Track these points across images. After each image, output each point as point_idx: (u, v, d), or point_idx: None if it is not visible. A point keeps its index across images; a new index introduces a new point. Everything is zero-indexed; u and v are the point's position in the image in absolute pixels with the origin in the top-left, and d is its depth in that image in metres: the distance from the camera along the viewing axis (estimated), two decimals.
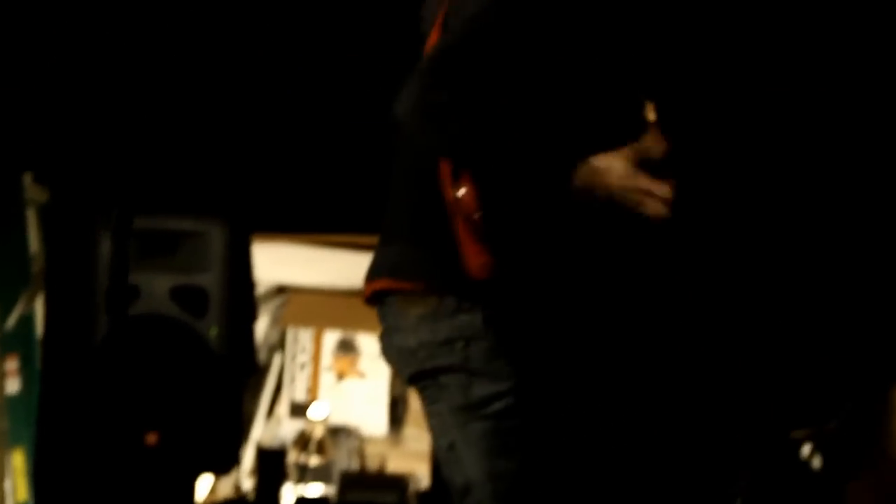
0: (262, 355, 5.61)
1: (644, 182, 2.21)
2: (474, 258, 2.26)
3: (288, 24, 4.16)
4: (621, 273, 2.45)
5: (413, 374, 2.35)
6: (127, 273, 2.50)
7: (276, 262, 5.29)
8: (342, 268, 5.01)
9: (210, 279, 4.18)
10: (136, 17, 4.30)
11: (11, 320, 5.52)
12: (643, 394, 2.62)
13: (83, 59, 4.33)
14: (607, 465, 2.51)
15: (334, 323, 5.63)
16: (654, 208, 2.22)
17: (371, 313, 2.55)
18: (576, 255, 2.37)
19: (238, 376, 4.29)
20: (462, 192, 2.27)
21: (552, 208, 2.29)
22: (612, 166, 2.23)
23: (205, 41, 4.36)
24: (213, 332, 4.14)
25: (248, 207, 4.31)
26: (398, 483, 4.73)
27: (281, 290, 5.65)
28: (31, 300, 5.59)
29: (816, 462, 3.88)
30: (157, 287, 4.16)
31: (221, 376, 4.15)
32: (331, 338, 5.69)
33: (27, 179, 5.28)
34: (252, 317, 4.51)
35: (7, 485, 5.50)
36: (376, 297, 2.32)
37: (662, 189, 2.21)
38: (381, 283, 2.31)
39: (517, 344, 2.31)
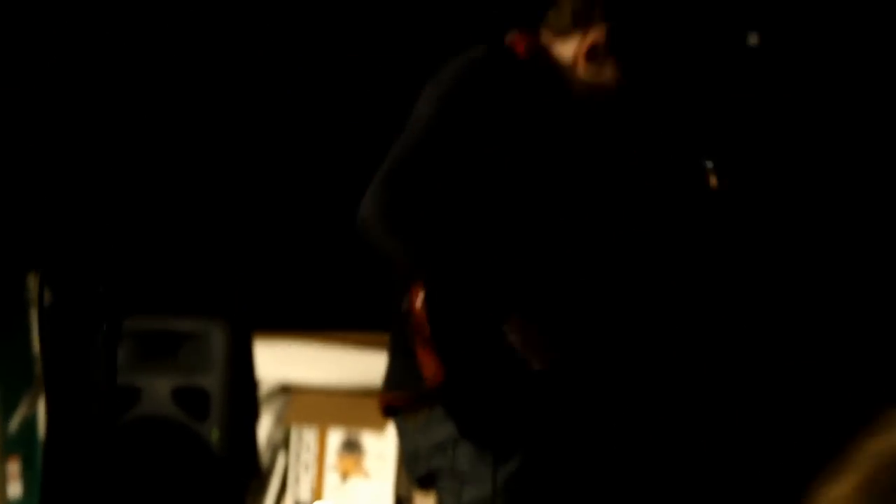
0: (265, 455, 5.52)
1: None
2: (427, 367, 2.40)
3: (291, 121, 4.19)
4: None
5: (418, 477, 2.54)
6: (115, 374, 2.50)
7: (280, 361, 5.25)
8: (346, 366, 4.97)
9: (211, 380, 4.16)
10: (136, 119, 4.33)
11: (14, 423, 5.46)
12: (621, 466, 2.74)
13: (85, 163, 4.35)
14: None
15: (339, 422, 5.55)
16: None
17: (375, 412, 2.67)
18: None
19: (240, 479, 4.28)
20: (418, 302, 2.38)
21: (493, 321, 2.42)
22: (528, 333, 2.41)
23: (203, 142, 4.38)
24: (215, 435, 4.11)
25: (250, 307, 4.31)
26: None
27: (285, 389, 5.57)
28: (34, 402, 5.53)
29: None
30: (158, 389, 4.14)
31: (223, 479, 4.12)
32: (335, 437, 5.59)
33: (31, 280, 5.28)
34: (254, 418, 4.49)
35: None
36: (387, 410, 2.55)
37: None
38: (385, 398, 2.53)
39: (493, 445, 2.42)
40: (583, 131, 2.65)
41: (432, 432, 2.46)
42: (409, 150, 2.43)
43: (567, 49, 2.60)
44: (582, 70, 2.60)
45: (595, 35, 2.57)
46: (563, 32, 2.60)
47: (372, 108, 3.79)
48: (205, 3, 4.24)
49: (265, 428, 5.54)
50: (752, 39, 4.27)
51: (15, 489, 5.40)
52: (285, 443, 5.63)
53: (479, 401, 2.44)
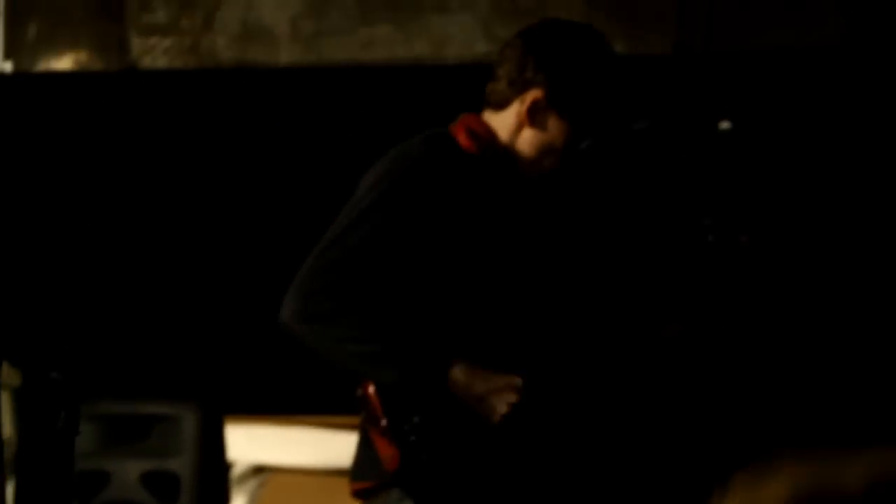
0: None
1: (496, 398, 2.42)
2: (384, 452, 2.41)
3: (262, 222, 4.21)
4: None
5: None
6: (72, 460, 2.47)
7: (253, 443, 5.19)
8: (320, 448, 4.91)
9: (182, 464, 4.11)
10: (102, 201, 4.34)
11: None
12: None
13: (56, 256, 4.36)
14: None
15: (314, 503, 5.49)
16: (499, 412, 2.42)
17: (348, 493, 2.63)
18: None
19: None
20: (370, 390, 2.41)
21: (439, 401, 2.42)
22: (475, 383, 2.42)
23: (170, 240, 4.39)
24: None
25: (222, 390, 4.29)
26: None
27: (258, 471, 5.51)
28: (3, 485, 5.46)
29: None
30: (127, 472, 4.08)
31: None
32: None
33: (3, 366, 5.22)
34: (225, 501, 4.42)
35: None
36: (356, 494, 2.53)
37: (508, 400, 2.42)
38: (353, 486, 2.52)
39: None
40: (530, 211, 2.60)
41: None
42: (326, 254, 2.44)
43: (509, 118, 2.55)
44: (528, 136, 2.55)
45: (533, 94, 2.51)
46: (503, 104, 2.55)
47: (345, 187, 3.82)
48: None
49: None
50: (724, 125, 4.32)
51: None
52: None
53: (437, 480, 2.43)
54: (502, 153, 2.54)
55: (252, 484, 5.59)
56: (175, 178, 4.27)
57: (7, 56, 4.21)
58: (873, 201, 4.15)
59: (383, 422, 2.41)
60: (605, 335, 2.64)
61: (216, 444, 4.26)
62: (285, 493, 5.49)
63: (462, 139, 2.54)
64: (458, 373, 2.42)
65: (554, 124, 2.52)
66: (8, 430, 5.34)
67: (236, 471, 5.35)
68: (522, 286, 2.54)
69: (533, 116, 2.52)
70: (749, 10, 4.24)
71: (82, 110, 4.26)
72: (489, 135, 2.55)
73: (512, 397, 2.42)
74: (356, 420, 2.60)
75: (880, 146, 4.15)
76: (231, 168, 4.25)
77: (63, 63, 4.24)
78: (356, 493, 2.54)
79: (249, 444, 5.22)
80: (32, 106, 4.26)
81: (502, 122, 2.55)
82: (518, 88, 2.52)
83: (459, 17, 4.18)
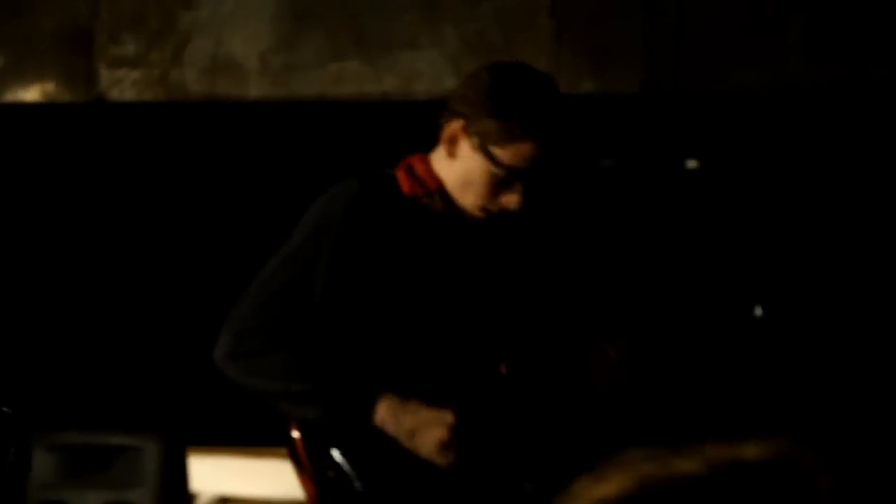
0: None
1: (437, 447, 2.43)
2: (305, 488, 2.45)
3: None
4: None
5: None
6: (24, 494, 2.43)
7: (218, 474, 5.14)
8: (284, 479, 4.85)
9: (143, 495, 4.01)
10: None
11: None
12: None
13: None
14: None
15: None
16: (442, 456, 2.42)
17: None
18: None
19: None
20: (294, 430, 2.45)
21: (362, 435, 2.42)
22: (405, 418, 2.42)
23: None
24: None
25: (185, 421, 4.24)
26: None
27: (223, 502, 5.45)
28: None
29: None
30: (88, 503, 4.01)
31: None
32: None
33: None
34: None
35: None
36: None
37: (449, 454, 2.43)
38: None
39: None
40: (464, 251, 2.56)
41: None
42: (255, 295, 2.46)
43: (442, 152, 2.53)
44: (449, 168, 2.51)
45: (455, 124, 2.48)
46: (440, 139, 2.54)
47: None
48: None
49: None
50: (691, 163, 4.31)
51: None
52: None
53: None
54: (443, 192, 2.52)
55: None
56: (141, 210, 4.23)
57: None
58: (836, 237, 4.14)
59: (303, 459, 2.44)
60: (540, 370, 2.61)
61: (178, 476, 4.18)
62: None
63: (401, 180, 2.52)
64: (385, 407, 2.42)
65: (469, 156, 2.46)
66: None
67: (200, 502, 5.30)
68: (446, 326, 2.51)
69: (452, 147, 2.49)
70: (716, 50, 4.23)
71: (50, 142, 4.22)
72: (429, 174, 2.52)
73: (441, 432, 2.42)
74: None
75: (844, 184, 4.13)
76: (198, 200, 4.21)
77: (31, 94, 4.20)
78: None
79: (214, 475, 5.15)
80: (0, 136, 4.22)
81: (439, 156, 2.54)
82: (448, 118, 2.51)
83: (428, 54, 4.17)
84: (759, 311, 2.79)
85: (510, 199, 2.47)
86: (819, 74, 4.15)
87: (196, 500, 5.13)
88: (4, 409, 2.34)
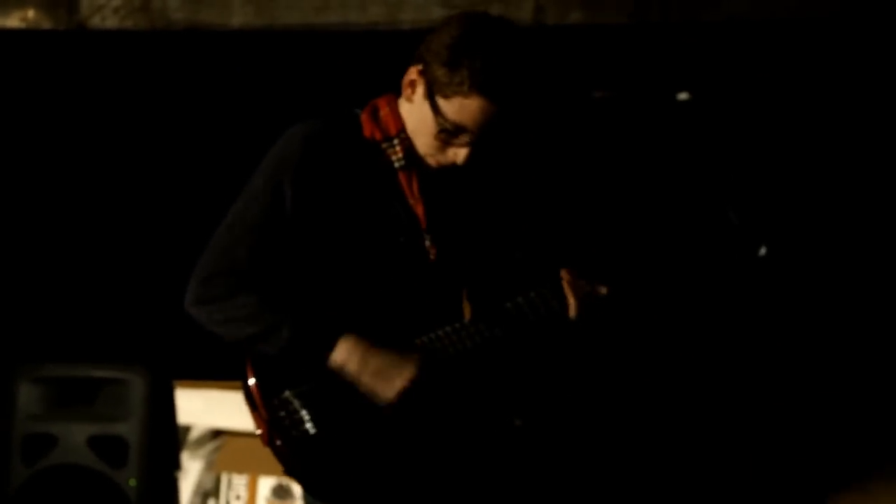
0: (195, 501, 5.32)
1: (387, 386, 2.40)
2: (258, 427, 2.43)
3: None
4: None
5: None
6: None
7: (211, 407, 5.15)
8: None
9: (130, 428, 3.99)
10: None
11: None
12: None
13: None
14: None
15: (269, 469, 5.36)
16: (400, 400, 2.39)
17: None
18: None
19: None
20: (249, 369, 2.44)
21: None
22: (369, 358, 2.39)
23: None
24: (132, 483, 3.96)
25: (174, 354, 4.17)
26: None
27: (216, 435, 5.39)
28: None
29: None
30: (74, 436, 3.97)
31: None
32: (266, 483, 5.39)
33: None
34: (174, 465, 4.36)
35: None
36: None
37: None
38: None
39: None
40: (427, 191, 2.50)
41: None
42: (218, 240, 2.46)
43: (403, 104, 2.49)
44: (405, 111, 2.47)
45: (414, 69, 2.43)
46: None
47: None
48: None
49: (194, 474, 5.36)
50: (682, 95, 4.24)
51: None
52: (215, 490, 5.46)
53: (305, 455, 2.40)
54: (404, 136, 2.47)
55: (209, 447, 5.48)
56: (122, 139, 4.18)
57: None
58: (830, 170, 4.10)
59: (257, 401, 2.41)
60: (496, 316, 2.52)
61: (165, 409, 4.16)
62: (240, 456, 5.38)
63: (364, 122, 2.49)
64: (348, 347, 2.40)
65: (420, 102, 2.43)
66: None
67: (194, 434, 5.26)
68: (401, 270, 2.47)
69: (410, 91, 2.45)
70: None
71: (30, 69, 4.17)
72: (392, 118, 2.49)
73: (409, 373, 2.38)
74: None
75: (832, 118, 4.09)
76: (180, 131, 4.19)
77: (11, 21, 4.13)
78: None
79: (207, 408, 5.14)
80: None
81: (402, 101, 2.49)
82: (413, 62, 2.45)
83: None
84: (763, 251, 2.69)
85: (457, 154, 2.42)
86: (812, 6, 4.04)
87: (189, 432, 5.09)
88: None
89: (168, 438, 4.18)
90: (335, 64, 4.04)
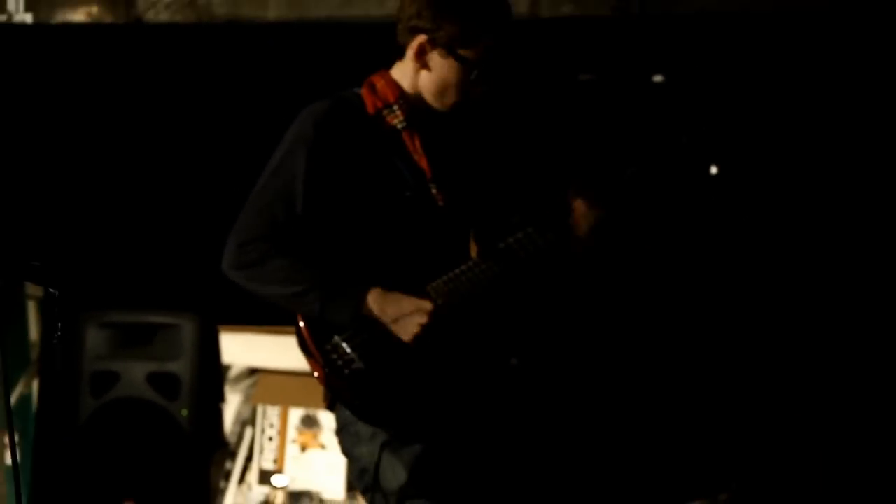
0: (234, 430, 5.48)
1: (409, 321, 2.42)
2: (313, 370, 2.47)
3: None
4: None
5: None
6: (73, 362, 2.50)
7: (248, 348, 5.23)
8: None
9: (182, 366, 4.16)
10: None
11: (13, 399, 5.43)
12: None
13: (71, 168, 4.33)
14: None
15: (299, 402, 5.52)
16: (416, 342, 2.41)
17: None
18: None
19: (206, 451, 4.27)
20: (300, 322, 2.46)
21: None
22: (388, 308, 2.42)
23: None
24: (184, 413, 4.12)
25: (218, 302, 4.21)
26: None
27: (252, 372, 5.55)
28: (29, 382, 5.49)
29: None
30: (135, 373, 4.13)
31: (191, 451, 4.13)
32: (296, 414, 5.56)
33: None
34: (219, 398, 4.49)
35: None
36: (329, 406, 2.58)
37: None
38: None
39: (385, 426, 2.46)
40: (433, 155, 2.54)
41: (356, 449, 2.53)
42: (250, 209, 2.48)
43: (409, 65, 2.52)
44: (424, 79, 2.50)
45: (419, 39, 2.47)
46: (403, 53, 2.54)
47: None
48: None
49: (234, 406, 5.49)
50: (657, 78, 4.27)
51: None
52: (252, 419, 5.62)
53: (360, 392, 2.44)
54: (410, 98, 2.52)
55: (246, 383, 5.60)
56: (171, 114, 4.23)
57: (28, 8, 4.14)
58: (790, 162, 4.08)
59: (310, 346, 2.44)
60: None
61: (212, 349, 4.33)
62: (274, 391, 5.44)
63: (365, 97, 2.53)
64: (372, 298, 2.43)
65: (441, 63, 2.47)
66: (34, 334, 5.40)
67: (233, 372, 5.38)
68: (416, 224, 2.50)
69: (422, 59, 2.48)
70: None
71: (93, 60, 4.21)
72: (388, 87, 2.52)
73: (422, 318, 2.42)
74: None
75: (800, 108, 4.08)
76: (221, 108, 4.19)
77: (77, 16, 4.17)
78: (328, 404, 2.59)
79: (245, 349, 5.24)
80: (49, 54, 4.21)
81: (403, 70, 2.53)
82: (409, 36, 2.50)
83: None
84: (714, 170, 2.76)
85: (477, 89, 2.50)
86: (780, 1, 4.07)
87: (229, 370, 5.24)
88: (52, 290, 2.37)
89: (214, 375, 4.36)
90: (355, 54, 4.12)
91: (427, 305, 2.43)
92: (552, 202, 2.53)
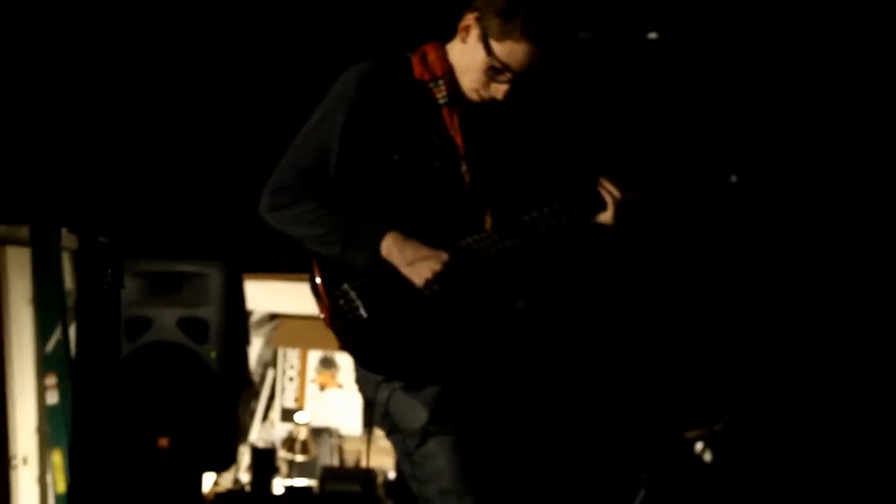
0: (257, 371, 5.60)
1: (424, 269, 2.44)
2: (321, 312, 2.50)
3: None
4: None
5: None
6: (119, 307, 2.58)
7: (269, 295, 5.28)
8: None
9: (210, 312, 4.21)
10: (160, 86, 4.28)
11: (50, 344, 5.53)
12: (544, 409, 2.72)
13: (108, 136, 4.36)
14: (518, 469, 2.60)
15: (317, 344, 5.65)
16: (435, 285, 2.44)
17: None
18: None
19: (233, 391, 4.29)
20: (314, 265, 2.52)
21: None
22: (406, 250, 2.45)
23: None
24: (213, 356, 4.18)
25: (243, 252, 4.30)
26: (368, 475, 4.74)
27: (273, 317, 5.66)
28: (66, 328, 5.60)
29: (707, 456, 3.91)
30: (166, 318, 4.20)
31: (219, 391, 4.18)
32: (314, 356, 5.70)
33: (63, 230, 5.30)
34: (245, 341, 4.52)
35: (48, 478, 5.52)
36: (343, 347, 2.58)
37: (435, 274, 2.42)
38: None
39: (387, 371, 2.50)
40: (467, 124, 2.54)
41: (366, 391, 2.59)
42: (287, 157, 2.52)
43: (456, 42, 2.54)
44: (457, 51, 2.52)
45: (470, 16, 2.50)
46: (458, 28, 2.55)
47: None
48: None
49: (257, 349, 5.58)
50: (652, 35, 4.27)
51: (52, 398, 5.48)
52: (273, 361, 5.72)
53: (364, 336, 2.47)
54: (449, 77, 2.53)
55: (268, 328, 5.69)
56: (205, 68, 4.20)
57: None
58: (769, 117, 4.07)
59: (320, 290, 2.49)
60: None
61: (237, 296, 4.34)
62: (293, 334, 5.56)
63: (415, 64, 2.55)
64: (391, 239, 2.46)
65: (473, 44, 2.50)
66: (69, 283, 5.51)
67: (255, 317, 5.49)
68: (440, 190, 2.52)
69: (465, 34, 2.52)
70: None
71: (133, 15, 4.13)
72: (438, 61, 2.54)
73: (436, 265, 2.45)
74: None
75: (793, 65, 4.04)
76: (251, 66, 4.17)
77: None
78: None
79: (266, 296, 5.31)
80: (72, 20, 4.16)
81: (454, 44, 2.56)
82: (468, 11, 2.53)
83: None
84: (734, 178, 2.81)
85: (498, 89, 2.50)
86: None
87: (250, 316, 5.35)
88: (102, 238, 2.45)
89: (239, 320, 4.35)
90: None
91: (443, 255, 2.47)
92: (581, 185, 2.55)
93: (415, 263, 2.45)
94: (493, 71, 2.48)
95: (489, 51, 2.47)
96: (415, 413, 2.50)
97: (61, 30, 4.19)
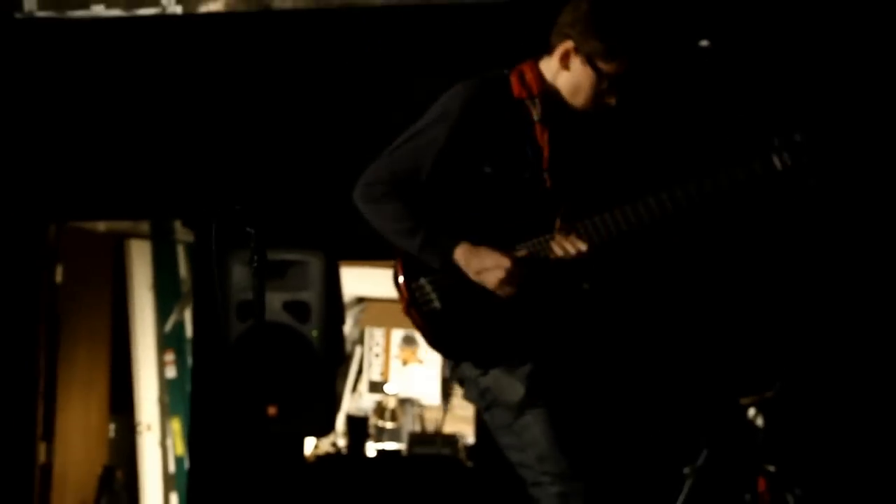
0: (347, 348, 5.74)
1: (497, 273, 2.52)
2: (401, 302, 2.62)
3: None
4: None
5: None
6: (263, 294, 2.72)
7: (358, 280, 5.47)
8: None
9: (311, 295, 4.37)
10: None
11: (168, 325, 5.89)
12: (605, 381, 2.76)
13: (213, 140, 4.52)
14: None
15: (399, 324, 5.79)
16: (502, 290, 2.53)
17: None
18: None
19: (332, 365, 4.46)
20: (398, 260, 2.66)
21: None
22: (472, 262, 2.55)
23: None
24: (314, 334, 4.34)
25: (338, 242, 4.47)
26: (451, 440, 4.97)
27: (360, 300, 5.83)
28: (182, 311, 5.95)
29: (759, 421, 3.96)
30: (273, 302, 4.31)
31: (320, 365, 4.34)
32: (397, 334, 5.90)
33: (177, 224, 5.63)
34: (341, 321, 4.65)
35: (168, 442, 5.86)
36: None
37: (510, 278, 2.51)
38: None
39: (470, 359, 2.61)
40: (559, 142, 2.61)
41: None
42: (385, 157, 2.62)
43: (554, 63, 2.60)
44: (563, 79, 2.58)
45: (566, 45, 2.56)
46: (552, 51, 2.61)
47: None
48: None
49: (347, 328, 5.73)
50: (703, 42, 4.02)
51: (171, 372, 5.82)
52: (361, 339, 5.89)
53: (438, 324, 2.59)
54: (551, 93, 2.61)
55: (356, 309, 5.92)
56: (306, 84, 4.37)
57: (177, 1, 4.34)
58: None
59: (400, 281, 2.63)
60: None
61: (335, 281, 4.49)
62: (378, 315, 5.81)
63: (514, 83, 2.61)
64: (462, 250, 2.56)
65: (580, 69, 2.58)
66: (183, 271, 5.88)
67: (345, 300, 5.69)
68: (526, 203, 2.60)
69: (565, 61, 2.59)
70: None
71: (229, 43, 4.39)
72: (535, 80, 2.60)
73: (500, 273, 2.54)
74: None
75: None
76: (343, 81, 4.39)
77: (216, 6, 4.32)
78: None
79: (354, 281, 5.45)
80: (194, 40, 4.40)
81: (549, 66, 2.63)
82: (560, 39, 2.60)
83: None
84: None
85: (610, 99, 2.59)
86: None
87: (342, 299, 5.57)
88: (249, 228, 2.53)
89: (336, 302, 4.49)
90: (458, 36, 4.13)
91: (506, 262, 2.52)
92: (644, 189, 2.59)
93: (483, 272, 2.55)
94: (609, 85, 2.57)
95: (599, 72, 2.55)
96: (513, 389, 2.60)
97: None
